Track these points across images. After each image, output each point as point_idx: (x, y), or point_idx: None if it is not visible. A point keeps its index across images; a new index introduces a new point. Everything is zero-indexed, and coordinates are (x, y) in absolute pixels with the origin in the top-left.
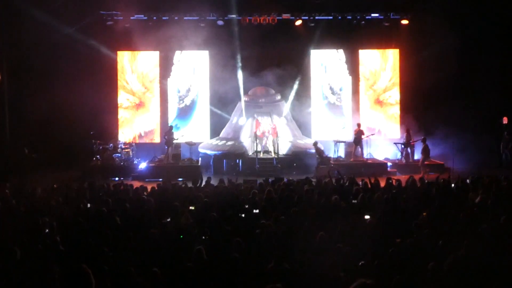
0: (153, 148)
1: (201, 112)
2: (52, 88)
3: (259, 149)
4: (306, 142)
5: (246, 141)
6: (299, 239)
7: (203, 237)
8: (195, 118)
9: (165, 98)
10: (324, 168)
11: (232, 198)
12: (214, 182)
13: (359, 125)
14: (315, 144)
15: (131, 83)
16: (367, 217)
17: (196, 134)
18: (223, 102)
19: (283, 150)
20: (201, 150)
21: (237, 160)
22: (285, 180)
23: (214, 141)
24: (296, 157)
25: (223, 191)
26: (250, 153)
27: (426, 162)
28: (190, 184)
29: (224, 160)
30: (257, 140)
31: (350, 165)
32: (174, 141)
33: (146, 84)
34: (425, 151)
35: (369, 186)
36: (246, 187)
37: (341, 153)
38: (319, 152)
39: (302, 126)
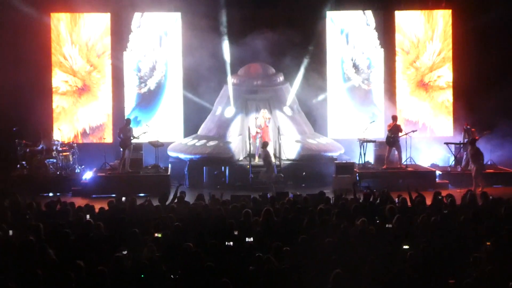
0: (103, 151)
1: (171, 100)
2: None
3: (253, 152)
4: (320, 142)
5: (235, 140)
6: (309, 280)
7: (174, 277)
8: (163, 109)
9: (120, 80)
10: (345, 179)
11: (216, 222)
12: (190, 198)
13: (395, 118)
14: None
15: (71, 59)
16: (406, 247)
17: (165, 131)
18: (202, 86)
19: (288, 153)
20: (171, 153)
21: (223, 168)
22: (291, 195)
23: (190, 141)
24: (306, 163)
25: (202, 211)
26: (241, 158)
27: (483, 171)
28: (156, 202)
29: (205, 168)
30: (251, 140)
31: (383, 174)
32: (133, 141)
33: (93, 60)
34: (476, 157)
35: (410, 204)
36: (235, 206)
37: (369, 157)
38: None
39: (315, 120)
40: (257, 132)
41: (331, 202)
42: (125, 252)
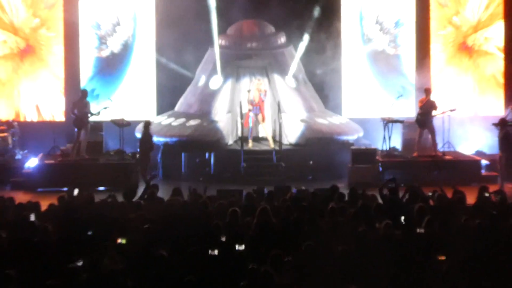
0: (52, 132)
1: (141, 67)
2: None
3: (246, 134)
4: (332, 122)
5: (223, 119)
6: None
7: None
8: (130, 78)
9: (74, 40)
10: (365, 170)
11: (197, 224)
12: (163, 193)
13: (428, 91)
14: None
15: (11, 11)
16: (441, 258)
17: (132, 107)
18: (181, 49)
19: (291, 136)
20: (140, 135)
21: (207, 155)
22: (294, 190)
23: (165, 120)
24: (314, 149)
25: (180, 210)
26: (230, 142)
27: None
28: (120, 198)
29: (183, 154)
30: (243, 119)
31: (412, 163)
32: (91, 119)
33: (39, 13)
34: (505, 142)
35: (447, 202)
36: (222, 204)
37: (396, 141)
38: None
39: (326, 94)
40: (249, 110)
41: (345, 200)
42: (80, 263)
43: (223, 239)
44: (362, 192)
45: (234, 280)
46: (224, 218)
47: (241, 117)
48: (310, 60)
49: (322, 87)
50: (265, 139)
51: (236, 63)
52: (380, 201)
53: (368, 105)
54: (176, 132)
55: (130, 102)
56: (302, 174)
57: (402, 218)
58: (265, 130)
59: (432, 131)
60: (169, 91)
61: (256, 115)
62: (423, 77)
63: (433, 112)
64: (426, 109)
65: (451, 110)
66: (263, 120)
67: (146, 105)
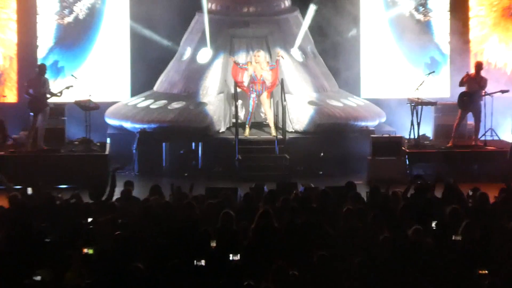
0: (2, 116)
1: (112, 37)
2: None
3: (243, 119)
4: (348, 105)
5: (214, 101)
6: None
7: None
8: (98, 50)
9: (31, 4)
10: (388, 163)
11: (181, 230)
12: (140, 192)
13: (480, 65)
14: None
15: None
16: (482, 272)
17: (101, 86)
18: (160, 14)
19: (297, 122)
20: (111, 120)
21: (194, 145)
22: (301, 189)
23: (142, 102)
24: (326, 137)
25: (160, 213)
26: (223, 129)
27: None
28: (86, 199)
29: (165, 145)
30: (238, 101)
31: (448, 155)
32: (51, 101)
33: None
34: None
35: (489, 203)
36: (212, 205)
37: (426, 128)
38: None
39: (340, 70)
40: (245, 88)
41: (364, 200)
42: (38, 278)
43: (213, 247)
44: (384, 191)
45: None
46: (215, 222)
47: (235, 98)
48: (321, 28)
49: (336, 62)
50: (265, 125)
51: (230, 32)
52: (406, 202)
53: (392, 83)
54: (156, 116)
55: (99, 79)
56: (311, 168)
57: (434, 222)
58: (266, 115)
59: (478, 116)
60: (147, 66)
61: (258, 96)
62: (459, 49)
63: (482, 93)
64: (474, 87)
65: (502, 92)
66: (268, 96)
67: (118, 84)
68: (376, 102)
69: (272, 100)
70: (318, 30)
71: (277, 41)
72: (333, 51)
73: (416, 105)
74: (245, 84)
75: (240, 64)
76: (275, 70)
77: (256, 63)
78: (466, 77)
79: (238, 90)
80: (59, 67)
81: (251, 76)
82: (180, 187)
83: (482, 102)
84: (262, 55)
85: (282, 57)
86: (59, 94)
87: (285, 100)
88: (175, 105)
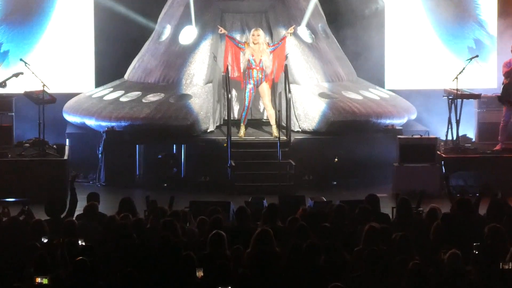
0: None
1: (71, 13)
2: None
3: (235, 117)
4: (369, 98)
5: (201, 93)
6: None
7: None
8: (54, 30)
9: None
10: (419, 171)
11: (158, 255)
12: (107, 207)
13: None
14: None
15: None
16: None
17: (59, 74)
18: None
19: (305, 119)
20: (70, 117)
21: (175, 148)
22: (309, 203)
23: (109, 93)
24: (340, 138)
25: (132, 234)
26: (211, 128)
27: None
28: (40, 215)
29: (138, 147)
30: (231, 93)
31: (495, 161)
32: None
33: None
34: None
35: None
36: (198, 224)
37: (468, 127)
38: None
39: (360, 54)
40: (239, 76)
41: (390, 217)
42: None
43: (200, 278)
44: (415, 206)
45: None
46: (202, 246)
47: (227, 90)
48: (335, 1)
49: (354, 44)
50: (265, 123)
51: (220, 5)
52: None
53: (424, 71)
54: (127, 112)
55: (55, 65)
56: (323, 177)
57: (477, 246)
58: (266, 109)
59: None
60: (116, 49)
61: (256, 86)
62: (510, 29)
63: None
64: None
65: None
66: (268, 87)
67: (79, 71)
68: (404, 94)
69: (274, 91)
70: (331, 4)
71: (279, 18)
72: (350, 30)
73: (455, 98)
74: (235, 72)
75: (236, 40)
76: (280, 52)
77: (254, 44)
78: (506, 65)
79: (232, 79)
80: (4, 51)
81: (248, 60)
82: (157, 201)
83: None
84: (262, 35)
85: (290, 34)
86: (3, 85)
87: (289, 91)
88: (151, 97)
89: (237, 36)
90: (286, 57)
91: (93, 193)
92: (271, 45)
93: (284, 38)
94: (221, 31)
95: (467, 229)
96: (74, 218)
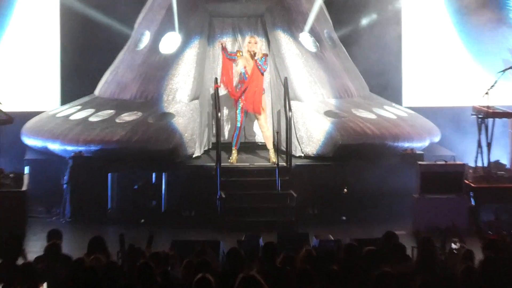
0: None
1: (33, 16)
2: None
3: (226, 139)
4: (384, 117)
5: (185, 111)
6: None
7: None
8: (13, 36)
9: None
10: (445, 204)
11: None
12: (73, 247)
13: None
14: None
15: None
16: None
17: (17, 89)
18: None
19: (308, 142)
20: (31, 140)
21: (155, 176)
22: (314, 242)
23: (77, 112)
24: (352, 165)
25: (103, 278)
26: (198, 152)
27: None
28: None
29: (110, 176)
30: (221, 111)
31: None
32: None
33: None
34: None
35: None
36: (182, 266)
37: (501, 151)
38: None
39: (373, 66)
40: (231, 91)
41: (410, 259)
42: None
43: None
44: (439, 246)
45: None
46: None
47: (217, 106)
48: (344, 5)
49: (366, 54)
50: (261, 147)
51: (208, 8)
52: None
53: (448, 86)
54: (98, 134)
55: (13, 80)
56: (329, 211)
57: None
58: (262, 131)
59: None
60: (85, 60)
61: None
62: None
63: None
64: None
65: None
66: (258, 108)
67: (42, 86)
68: (425, 112)
69: (271, 109)
70: (339, 6)
71: (278, 22)
72: (361, 37)
73: (486, 117)
74: (233, 85)
75: (228, 53)
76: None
77: (248, 54)
78: None
79: (222, 93)
80: None
81: (241, 74)
82: (133, 240)
83: None
84: (259, 43)
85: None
86: None
87: (290, 109)
88: (127, 117)
89: (228, 44)
90: (284, 69)
91: (54, 230)
92: (263, 59)
93: (264, 59)
94: (220, 43)
95: (504, 275)
96: (32, 260)
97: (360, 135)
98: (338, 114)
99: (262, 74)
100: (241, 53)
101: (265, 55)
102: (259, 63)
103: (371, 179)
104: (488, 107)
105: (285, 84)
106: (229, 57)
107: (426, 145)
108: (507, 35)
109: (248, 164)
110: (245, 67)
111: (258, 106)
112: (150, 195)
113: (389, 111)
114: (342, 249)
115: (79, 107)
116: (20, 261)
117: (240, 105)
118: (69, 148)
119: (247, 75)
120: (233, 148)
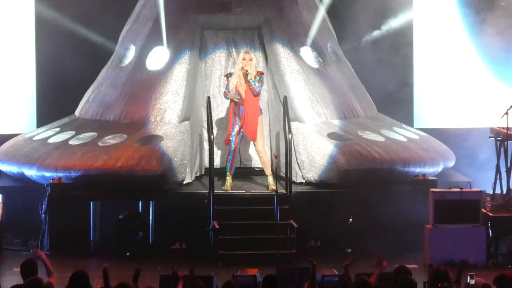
0: None
1: (6, 28)
2: None
3: (219, 164)
4: (394, 140)
5: (175, 133)
6: None
7: None
8: None
9: None
10: (459, 234)
11: None
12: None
13: None
14: None
15: None
16: None
17: None
18: None
19: (310, 167)
20: (4, 166)
21: (141, 205)
22: (318, 277)
23: (56, 135)
24: (359, 192)
25: None
26: (189, 179)
27: None
28: None
29: (93, 205)
30: (213, 134)
31: None
32: None
33: None
34: None
35: None
36: None
37: None
38: None
39: (381, 84)
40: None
41: None
42: None
43: None
44: (454, 281)
45: None
46: None
47: (209, 127)
48: (349, 18)
49: (374, 70)
50: (258, 172)
51: (200, 20)
52: None
53: (464, 105)
54: (79, 159)
55: None
56: (333, 243)
57: None
58: (259, 156)
59: None
60: (64, 78)
61: (240, 124)
62: None
63: None
64: None
65: None
66: (254, 136)
67: (16, 106)
68: (439, 134)
69: (269, 132)
70: (345, 20)
71: (276, 35)
72: (369, 51)
73: (505, 139)
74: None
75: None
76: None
77: (241, 72)
78: None
79: (216, 116)
80: None
81: (234, 93)
82: (118, 275)
83: None
84: (254, 60)
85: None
86: None
87: (290, 131)
88: (110, 140)
89: (221, 56)
90: (283, 87)
91: (30, 263)
92: (258, 78)
93: (260, 77)
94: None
95: None
96: None
97: (367, 159)
98: (343, 136)
99: (255, 96)
100: (230, 75)
101: (261, 74)
102: (253, 85)
103: (379, 208)
104: (507, 128)
105: (285, 104)
106: (225, 97)
107: (440, 171)
108: None
109: (244, 191)
110: (236, 87)
111: (253, 132)
112: (136, 226)
113: (399, 133)
114: (348, 284)
115: (57, 129)
116: None
117: (236, 126)
118: (47, 174)
119: (240, 96)
120: (228, 174)
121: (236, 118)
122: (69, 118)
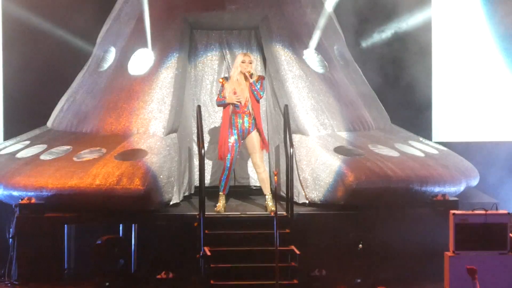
0: None
1: None
2: None
3: (212, 181)
4: (409, 155)
5: (160, 147)
6: None
7: None
8: None
9: None
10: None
11: None
12: None
13: None
14: None
15: None
16: None
17: None
18: None
19: (314, 186)
20: None
21: (121, 229)
22: None
23: (25, 149)
24: (369, 214)
25: None
26: (176, 199)
27: None
28: None
29: (67, 228)
30: (204, 148)
31: None
32: None
33: None
34: None
35: None
36: None
37: None
38: None
39: (396, 92)
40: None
41: None
42: None
43: None
44: None
45: None
46: None
47: (201, 142)
48: (358, 18)
49: (387, 75)
50: (255, 191)
51: (189, 19)
52: None
53: (489, 117)
54: (51, 176)
55: None
56: (340, 272)
57: None
58: (257, 171)
59: None
60: (34, 84)
61: (242, 138)
62: None
63: None
64: None
65: None
66: (266, 144)
67: None
68: (461, 149)
69: (268, 145)
70: (352, 16)
71: (276, 36)
72: (380, 54)
73: None
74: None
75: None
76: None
77: (239, 76)
78: None
79: (208, 127)
80: None
81: (234, 98)
82: None
83: None
84: (254, 63)
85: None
86: None
87: (292, 145)
88: (87, 154)
89: (213, 59)
90: (284, 95)
91: None
92: (259, 83)
93: (261, 83)
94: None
95: None
96: None
97: (379, 177)
98: (352, 151)
99: (258, 101)
100: (225, 80)
101: (262, 78)
102: (256, 87)
103: (392, 233)
104: None
105: (285, 114)
106: (219, 103)
107: (462, 190)
108: None
109: (239, 213)
110: (235, 93)
111: (264, 140)
112: (117, 253)
113: (416, 148)
114: None
115: (27, 143)
116: None
117: (231, 139)
118: (15, 193)
119: (238, 104)
120: (221, 193)
121: (233, 129)
122: (40, 129)
